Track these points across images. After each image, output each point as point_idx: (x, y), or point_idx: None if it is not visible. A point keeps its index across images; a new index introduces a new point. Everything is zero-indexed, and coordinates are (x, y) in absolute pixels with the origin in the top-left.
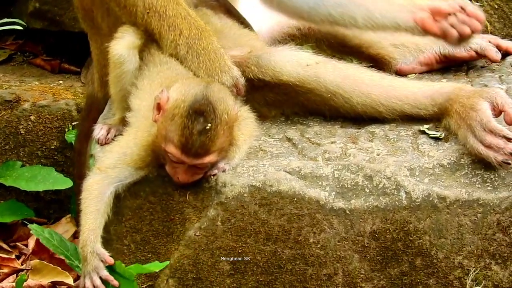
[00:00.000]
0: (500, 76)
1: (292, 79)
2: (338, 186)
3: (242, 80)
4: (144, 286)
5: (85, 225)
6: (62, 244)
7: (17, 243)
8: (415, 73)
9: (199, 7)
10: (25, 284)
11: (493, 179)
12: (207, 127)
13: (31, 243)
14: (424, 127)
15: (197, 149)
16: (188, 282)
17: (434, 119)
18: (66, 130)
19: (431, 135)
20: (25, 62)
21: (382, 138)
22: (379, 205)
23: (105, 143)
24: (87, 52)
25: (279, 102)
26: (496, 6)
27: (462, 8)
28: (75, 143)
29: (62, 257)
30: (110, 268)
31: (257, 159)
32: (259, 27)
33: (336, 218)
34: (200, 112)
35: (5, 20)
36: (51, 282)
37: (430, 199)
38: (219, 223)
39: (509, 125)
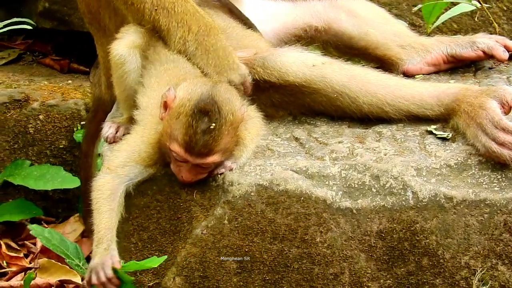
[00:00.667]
0: (508, 77)
1: (298, 80)
2: (345, 186)
3: (250, 78)
4: (150, 284)
5: (101, 223)
6: (62, 243)
7: (25, 241)
8: (422, 74)
9: (201, 7)
10: (33, 282)
11: (500, 179)
12: (211, 127)
13: (39, 242)
14: (432, 128)
15: (201, 148)
16: (195, 280)
17: (441, 119)
18: (75, 129)
19: (438, 136)
20: (34, 61)
21: (389, 138)
22: (386, 205)
23: (114, 142)
24: (96, 52)
25: (286, 103)
26: (505, 8)
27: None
28: (82, 145)
29: (62, 256)
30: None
31: (264, 158)
32: (265, 28)
33: (343, 217)
34: (205, 112)
35: (15, 19)
36: (59, 281)
37: (437, 199)
38: (226, 221)
39: None
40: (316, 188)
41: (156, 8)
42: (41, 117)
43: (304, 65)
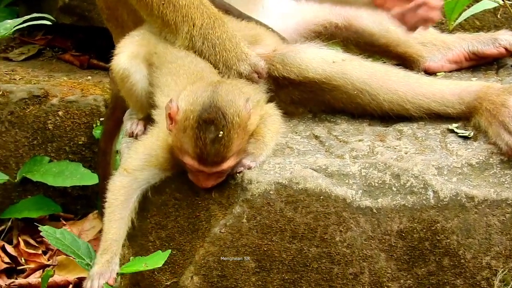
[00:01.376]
0: None
1: (318, 76)
2: (365, 185)
3: (261, 64)
4: (168, 283)
5: (109, 233)
6: (74, 243)
7: (44, 238)
8: (444, 71)
9: None
10: (51, 279)
11: None
12: (220, 135)
13: None
14: (453, 126)
15: (213, 158)
16: (213, 279)
17: (462, 117)
18: (94, 125)
19: (459, 134)
20: (54, 57)
21: (410, 137)
22: (406, 204)
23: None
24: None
25: (305, 100)
26: None
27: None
28: (100, 143)
29: (72, 256)
30: None
31: (283, 156)
32: (285, 24)
33: (363, 216)
34: (210, 121)
35: (35, 15)
36: (77, 278)
37: (458, 198)
38: (244, 220)
39: None
40: (336, 187)
41: (163, 2)
42: (60, 113)
43: (324, 62)
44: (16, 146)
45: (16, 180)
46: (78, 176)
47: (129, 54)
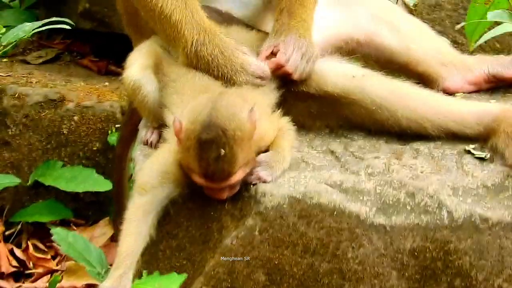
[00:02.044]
0: None
1: (337, 90)
2: (379, 202)
3: (261, 68)
4: None
5: (123, 246)
6: (85, 249)
7: (53, 243)
8: (463, 92)
9: None
10: (59, 285)
11: None
12: (222, 153)
13: None
14: (470, 147)
15: (220, 175)
16: None
17: (480, 138)
18: (109, 132)
19: (476, 155)
20: (72, 62)
21: (426, 156)
22: (420, 223)
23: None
24: None
25: (324, 114)
26: None
27: None
28: (117, 148)
29: (82, 263)
30: None
31: (298, 170)
32: None
33: (375, 234)
34: (210, 141)
35: (54, 19)
36: (85, 285)
37: (472, 219)
38: (256, 232)
39: None
40: (350, 203)
41: (163, 16)
42: (75, 118)
43: (344, 76)
44: (30, 149)
45: (28, 184)
46: (91, 182)
47: (139, 65)
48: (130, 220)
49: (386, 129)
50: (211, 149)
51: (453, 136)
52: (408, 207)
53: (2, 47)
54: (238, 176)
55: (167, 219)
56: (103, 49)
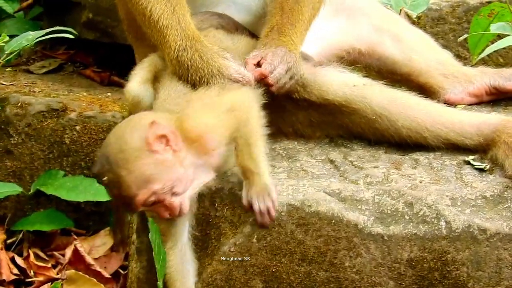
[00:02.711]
0: None
1: (338, 99)
2: (377, 211)
3: (242, 73)
4: None
5: None
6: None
7: (54, 252)
8: (464, 104)
9: (208, 29)
10: None
11: None
12: (106, 181)
13: (68, 253)
14: (469, 158)
15: (127, 200)
16: None
17: (480, 150)
18: None
19: (475, 166)
20: (75, 72)
21: (426, 166)
22: (418, 233)
23: None
24: None
25: (324, 123)
26: None
27: None
28: None
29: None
30: None
31: (297, 179)
32: (308, 47)
33: (373, 243)
34: (101, 174)
35: (57, 28)
36: None
37: (470, 230)
38: (254, 240)
39: None
40: (348, 212)
41: (151, 20)
42: (77, 127)
43: (345, 85)
44: (32, 158)
45: (29, 193)
46: (92, 191)
47: (139, 80)
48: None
49: (386, 139)
50: (105, 182)
51: (453, 147)
52: (407, 217)
53: (5, 56)
54: (145, 193)
55: None
56: (106, 60)
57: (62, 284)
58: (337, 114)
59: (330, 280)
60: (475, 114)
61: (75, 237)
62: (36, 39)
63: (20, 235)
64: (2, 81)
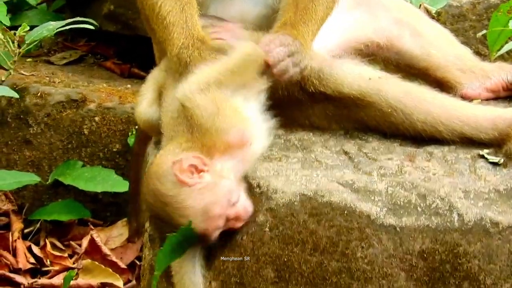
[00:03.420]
0: None
1: (353, 92)
2: (390, 203)
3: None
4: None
5: None
6: None
7: (71, 242)
8: (480, 99)
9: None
10: (75, 283)
11: None
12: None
13: (85, 243)
14: (484, 152)
15: (202, 237)
16: (231, 286)
17: (494, 144)
18: (130, 133)
19: (490, 160)
20: (96, 64)
21: (440, 159)
22: (430, 225)
23: None
24: None
25: (339, 116)
26: None
27: None
28: (134, 145)
29: None
30: None
31: (311, 169)
32: (327, 38)
33: (385, 234)
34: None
35: (78, 19)
36: (101, 283)
37: (483, 223)
38: (267, 229)
39: None
40: (361, 203)
41: (158, 16)
42: (96, 118)
43: (360, 78)
44: (50, 148)
45: (48, 183)
46: (110, 182)
47: (146, 102)
48: None
49: (401, 132)
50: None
51: (467, 141)
52: (419, 209)
53: (25, 45)
54: (213, 223)
55: None
56: (127, 52)
57: (77, 273)
58: (352, 107)
59: (341, 270)
60: (490, 109)
61: (92, 227)
62: (56, 29)
63: (38, 225)
64: (22, 71)
